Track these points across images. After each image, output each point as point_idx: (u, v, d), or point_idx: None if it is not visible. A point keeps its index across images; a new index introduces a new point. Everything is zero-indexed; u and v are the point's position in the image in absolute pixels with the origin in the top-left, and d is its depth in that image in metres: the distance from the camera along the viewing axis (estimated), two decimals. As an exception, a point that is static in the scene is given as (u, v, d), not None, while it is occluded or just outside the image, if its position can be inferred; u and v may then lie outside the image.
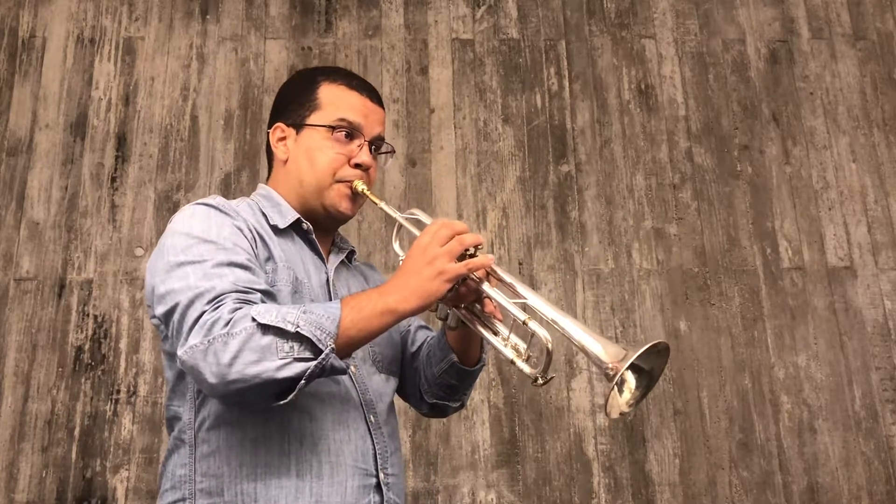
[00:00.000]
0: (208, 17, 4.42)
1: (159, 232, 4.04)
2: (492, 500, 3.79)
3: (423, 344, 2.43)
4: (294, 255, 2.17)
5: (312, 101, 2.28)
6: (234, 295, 1.84)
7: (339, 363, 1.81)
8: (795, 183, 4.29)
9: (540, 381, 1.93)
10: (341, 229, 2.42)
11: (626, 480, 3.83)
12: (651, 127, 4.34)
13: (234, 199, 2.21)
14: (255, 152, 4.20)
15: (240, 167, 4.17)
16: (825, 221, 4.23)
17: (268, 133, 2.35)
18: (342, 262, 2.36)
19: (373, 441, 2.07)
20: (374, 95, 2.35)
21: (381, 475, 2.05)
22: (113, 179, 4.13)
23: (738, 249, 4.17)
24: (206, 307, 1.81)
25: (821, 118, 4.40)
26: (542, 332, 1.89)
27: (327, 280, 2.23)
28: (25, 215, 4.04)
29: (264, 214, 2.20)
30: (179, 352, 1.80)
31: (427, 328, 2.52)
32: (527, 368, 1.96)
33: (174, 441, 2.05)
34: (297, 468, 1.94)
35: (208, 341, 1.75)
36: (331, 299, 2.18)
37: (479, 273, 2.00)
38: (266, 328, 1.75)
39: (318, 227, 2.27)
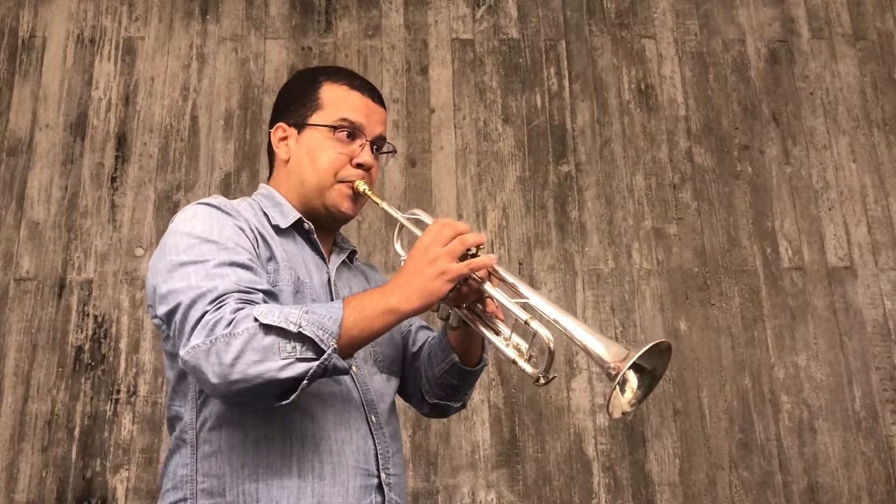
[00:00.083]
0: (208, 17, 4.42)
1: (159, 232, 4.04)
2: (492, 500, 3.79)
3: (424, 344, 2.43)
4: (296, 255, 2.17)
5: (314, 101, 2.28)
6: (237, 295, 1.84)
7: (341, 363, 1.81)
8: (795, 183, 4.29)
9: (542, 380, 1.93)
10: (342, 229, 2.42)
11: (626, 480, 3.84)
12: (651, 127, 4.34)
13: (235, 199, 2.21)
14: (255, 152, 4.20)
15: (240, 167, 4.17)
16: (825, 221, 4.23)
17: (269, 133, 2.35)
18: (343, 262, 2.36)
19: (374, 441, 2.07)
20: (375, 95, 2.35)
21: (383, 475, 2.05)
22: (113, 179, 4.13)
23: (738, 249, 4.17)
24: (209, 307, 1.81)
25: (821, 118, 4.41)
26: (543, 332, 1.90)
27: (329, 280, 2.23)
28: (25, 215, 4.04)
29: (266, 214, 2.20)
30: (182, 352, 1.80)
31: (428, 328, 2.52)
32: (528, 368, 1.96)
33: (175, 441, 2.05)
34: (299, 468, 1.94)
35: (210, 341, 1.75)
36: (332, 299, 2.18)
37: (481, 273, 2.00)
38: (268, 328, 1.75)
39: (320, 227, 2.27)
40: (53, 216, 4.05)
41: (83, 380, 3.85)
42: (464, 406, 2.48)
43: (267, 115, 4.16)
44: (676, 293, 4.10)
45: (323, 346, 1.76)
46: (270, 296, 1.92)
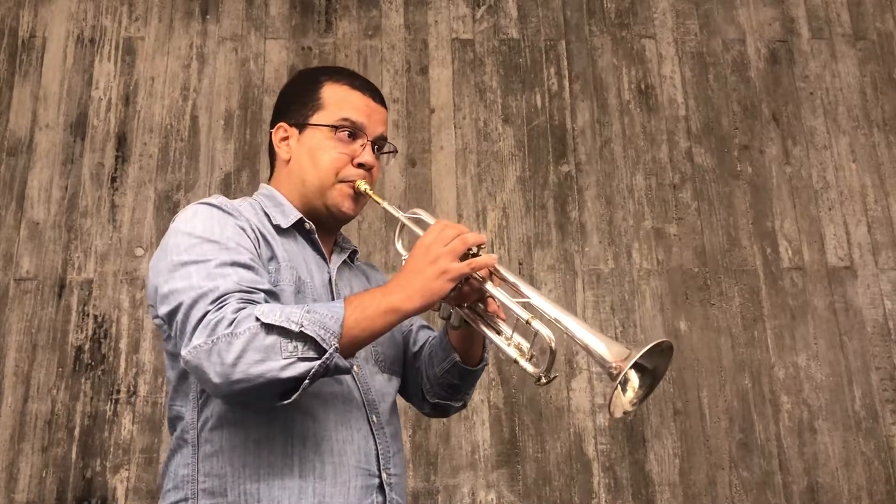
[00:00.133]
0: (208, 17, 4.42)
1: (159, 232, 4.04)
2: (492, 500, 3.79)
3: (425, 343, 2.43)
4: (297, 255, 2.17)
5: (315, 101, 2.28)
6: (238, 295, 1.84)
7: (343, 362, 1.81)
8: (795, 183, 4.29)
9: (543, 380, 1.93)
10: (343, 229, 2.42)
11: (626, 480, 3.84)
12: (651, 127, 4.35)
13: (236, 199, 2.21)
14: (255, 152, 4.20)
15: (240, 167, 4.17)
16: (825, 221, 4.23)
17: (270, 133, 2.35)
18: (344, 261, 2.36)
19: (375, 441, 2.07)
20: (376, 95, 2.35)
21: (384, 475, 2.05)
22: (113, 179, 4.13)
23: (738, 249, 4.17)
24: (210, 307, 1.81)
25: (821, 118, 4.41)
26: (545, 332, 1.90)
27: (330, 280, 2.23)
28: (25, 215, 4.04)
29: (267, 214, 2.20)
30: (183, 352, 1.80)
31: (429, 328, 2.52)
32: (530, 368, 1.97)
33: (177, 441, 2.04)
34: (301, 469, 1.94)
35: (212, 341, 1.75)
36: (333, 299, 2.18)
37: (483, 272, 2.01)
38: (270, 328, 1.75)
39: (321, 227, 2.27)
40: (53, 216, 4.05)
41: (83, 380, 3.85)
42: (465, 405, 2.49)
43: (267, 115, 4.17)
44: (676, 293, 4.10)
45: (325, 345, 1.76)
46: (272, 295, 1.93)
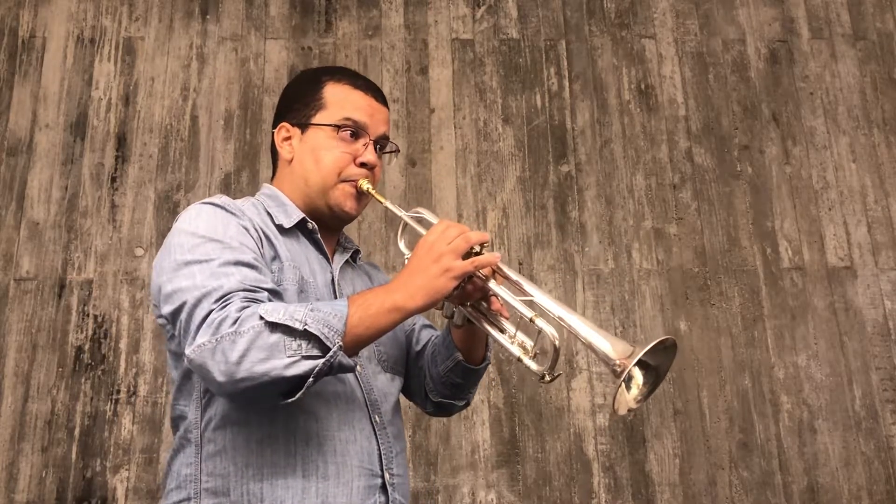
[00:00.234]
0: (208, 17, 4.42)
1: (159, 232, 4.04)
2: (492, 500, 3.79)
3: (427, 343, 2.44)
4: (299, 255, 2.17)
5: (317, 101, 2.28)
6: (242, 294, 1.84)
7: (346, 361, 1.81)
8: (795, 183, 4.29)
9: (547, 378, 1.94)
10: (344, 229, 2.42)
11: (626, 480, 3.84)
12: (651, 127, 4.35)
13: (238, 199, 2.21)
14: (255, 152, 4.20)
15: (240, 167, 4.17)
16: (825, 221, 4.23)
17: (272, 133, 2.35)
18: (347, 261, 2.36)
19: (378, 441, 2.07)
20: (378, 95, 2.35)
21: (387, 475, 2.06)
22: (113, 179, 4.13)
23: (738, 249, 4.17)
24: (214, 306, 1.81)
25: (821, 118, 4.41)
26: (549, 330, 1.90)
27: (332, 279, 2.24)
28: (25, 215, 4.04)
29: (269, 214, 2.20)
30: (187, 350, 1.80)
31: (431, 327, 2.53)
32: (534, 366, 1.97)
33: (180, 440, 2.04)
34: (304, 468, 1.94)
35: (216, 340, 1.76)
36: (336, 298, 2.18)
37: (486, 271, 2.01)
38: (274, 326, 1.76)
39: (323, 227, 2.27)
40: (53, 216, 4.04)
41: (83, 380, 3.84)
42: (468, 404, 2.49)
43: (267, 115, 4.18)
44: (676, 293, 4.10)
45: (328, 343, 1.76)
46: (275, 294, 1.93)
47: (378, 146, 2.31)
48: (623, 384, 1.83)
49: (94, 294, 3.96)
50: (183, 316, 1.86)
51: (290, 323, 1.76)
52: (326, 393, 2.00)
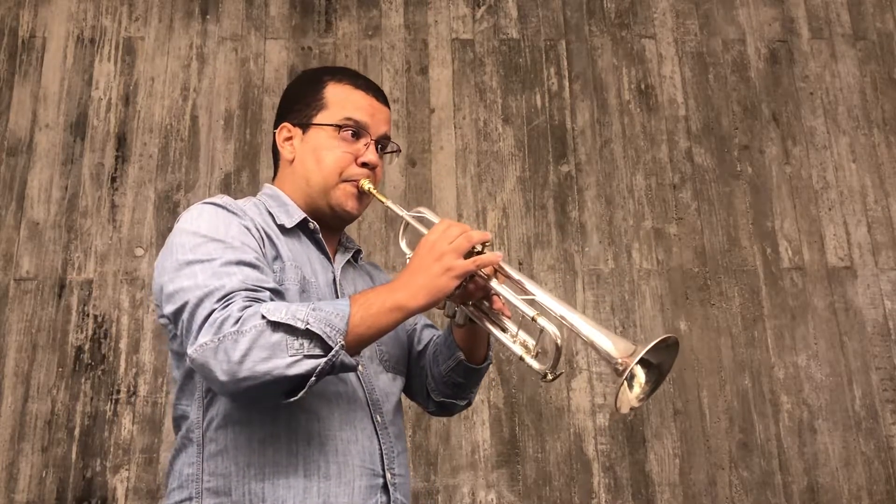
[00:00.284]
0: (208, 17, 4.42)
1: (159, 232, 4.03)
2: (492, 500, 3.79)
3: (429, 342, 2.44)
4: (301, 255, 2.17)
5: (319, 101, 2.29)
6: (244, 293, 1.84)
7: (348, 360, 1.82)
8: (795, 183, 4.29)
9: (549, 376, 1.94)
10: (346, 229, 2.43)
11: (626, 480, 3.84)
12: (651, 127, 4.35)
13: (239, 199, 2.21)
14: (255, 152, 4.20)
15: (240, 167, 4.17)
16: (825, 221, 4.23)
17: (274, 133, 2.36)
18: (348, 261, 2.36)
19: (379, 441, 2.08)
20: (379, 95, 2.36)
21: (388, 475, 2.06)
22: (113, 179, 4.13)
23: (738, 249, 4.17)
24: (216, 305, 1.82)
25: (821, 118, 4.41)
26: (551, 328, 1.91)
27: (334, 279, 2.24)
28: (25, 215, 4.04)
29: (271, 214, 2.21)
30: (189, 350, 1.80)
31: (433, 327, 2.53)
32: (536, 365, 1.98)
33: (182, 440, 2.05)
34: (305, 468, 1.94)
35: (218, 339, 1.76)
36: (338, 298, 2.18)
37: (487, 270, 2.02)
38: (276, 325, 1.76)
39: (325, 227, 2.28)
40: (53, 216, 4.04)
41: (83, 380, 3.84)
42: (470, 404, 2.49)
43: (267, 115, 4.18)
44: (676, 293, 4.10)
45: (331, 342, 1.77)
46: (277, 294, 1.93)
47: (379, 146, 2.32)
48: (625, 383, 1.83)
49: (94, 294, 3.95)
50: (185, 315, 1.86)
51: (292, 322, 1.76)
52: (328, 393, 2.00)
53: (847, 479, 3.87)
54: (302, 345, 1.76)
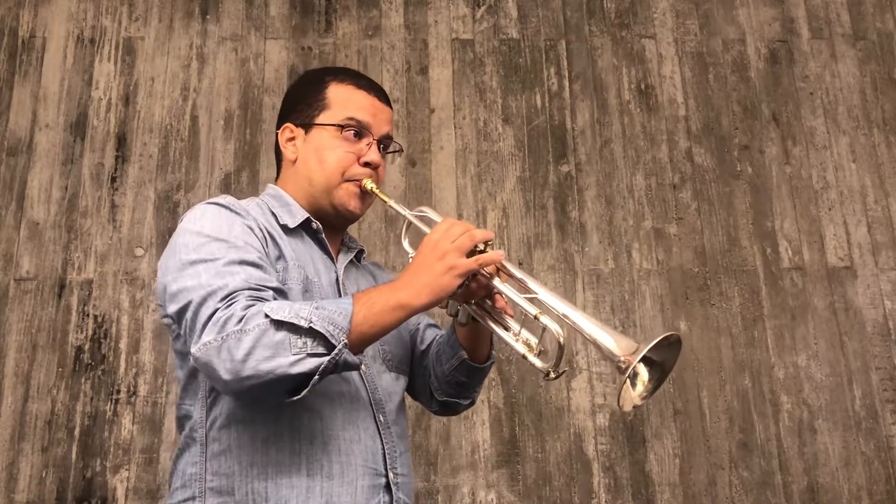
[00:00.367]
0: (208, 17, 4.42)
1: (159, 232, 4.03)
2: (492, 500, 3.79)
3: (432, 342, 2.44)
4: (304, 254, 2.18)
5: (321, 101, 2.30)
6: (247, 292, 1.85)
7: (352, 358, 1.82)
8: (795, 183, 4.29)
9: (552, 374, 1.94)
10: (348, 229, 2.43)
11: (626, 480, 3.84)
12: (651, 127, 4.35)
13: (241, 199, 2.21)
14: (255, 152, 4.20)
15: (240, 167, 4.17)
16: (825, 221, 4.23)
17: (276, 134, 2.36)
18: (351, 261, 2.37)
19: (382, 440, 2.08)
20: (381, 95, 2.37)
21: (391, 475, 2.06)
22: (113, 179, 4.13)
23: (738, 249, 4.17)
24: (219, 304, 1.82)
25: (821, 118, 4.41)
26: (553, 327, 1.91)
27: (337, 279, 2.24)
28: (25, 215, 4.03)
29: (274, 214, 2.21)
30: (193, 349, 1.81)
31: (436, 326, 2.53)
32: (538, 363, 1.98)
33: (185, 440, 2.05)
34: (308, 467, 1.95)
35: (222, 338, 1.76)
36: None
37: (490, 268, 2.03)
38: (279, 324, 1.76)
39: (328, 227, 2.29)
40: (53, 216, 4.04)
41: (83, 380, 3.84)
42: (473, 403, 2.49)
43: (267, 115, 4.17)
44: (676, 293, 4.10)
45: (334, 341, 1.77)
46: (280, 293, 1.94)
47: (381, 146, 2.32)
48: (628, 381, 1.83)
49: (94, 294, 3.95)
50: (188, 315, 1.86)
51: (295, 321, 1.76)
52: (331, 392, 2.01)
53: (847, 479, 3.87)
54: (305, 343, 1.76)
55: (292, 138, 2.31)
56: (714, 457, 3.87)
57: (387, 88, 4.13)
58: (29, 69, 4.26)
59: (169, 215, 4.06)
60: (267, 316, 1.76)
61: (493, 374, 3.92)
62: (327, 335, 1.76)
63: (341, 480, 1.96)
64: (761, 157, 4.33)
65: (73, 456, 3.74)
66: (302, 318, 1.76)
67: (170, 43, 4.37)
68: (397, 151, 2.43)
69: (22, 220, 4.03)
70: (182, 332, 1.93)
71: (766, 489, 3.84)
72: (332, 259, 2.27)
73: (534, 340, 2.02)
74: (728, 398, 3.95)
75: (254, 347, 1.74)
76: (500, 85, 4.40)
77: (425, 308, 1.93)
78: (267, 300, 1.85)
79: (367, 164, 2.25)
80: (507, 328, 2.08)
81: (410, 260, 2.04)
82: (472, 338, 2.25)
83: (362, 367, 2.07)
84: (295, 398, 1.79)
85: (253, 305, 1.80)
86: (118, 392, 3.83)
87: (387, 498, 2.04)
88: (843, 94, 4.46)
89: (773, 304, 4.09)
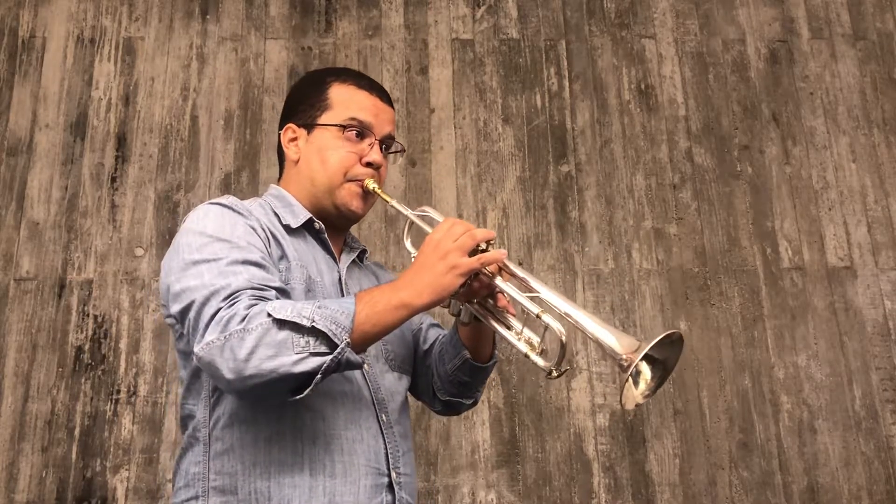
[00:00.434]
0: (208, 17, 4.42)
1: (159, 232, 4.04)
2: (492, 500, 3.79)
3: (435, 342, 2.45)
4: (307, 254, 2.18)
5: (323, 102, 2.30)
6: (250, 292, 1.85)
7: (354, 357, 1.82)
8: (795, 183, 4.29)
9: (554, 373, 1.95)
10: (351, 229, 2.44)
11: (626, 480, 3.84)
12: (651, 127, 4.35)
13: (244, 199, 2.21)
14: (254, 152, 4.20)
15: (240, 167, 4.17)
16: (825, 221, 4.24)
17: (279, 134, 2.36)
18: (354, 261, 2.38)
19: (384, 440, 2.08)
20: (383, 95, 2.37)
21: (393, 474, 2.07)
22: (113, 179, 4.13)
23: (738, 249, 4.17)
24: (222, 304, 1.83)
25: (821, 118, 4.41)
26: (556, 325, 1.91)
27: (339, 279, 2.25)
28: (25, 215, 4.03)
29: (276, 214, 2.22)
30: (196, 348, 1.81)
31: (438, 326, 2.54)
32: (541, 362, 1.99)
33: (188, 439, 2.06)
34: (311, 467, 1.95)
35: (225, 337, 1.76)
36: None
37: (492, 268, 2.03)
38: (282, 323, 1.77)
39: (330, 227, 2.29)
40: (53, 216, 4.04)
41: (83, 380, 3.84)
42: (476, 403, 2.50)
43: (267, 115, 4.17)
44: (676, 293, 4.10)
45: (336, 340, 1.77)
46: (283, 293, 1.94)
47: (383, 146, 2.33)
48: (630, 379, 1.83)
49: (94, 294, 3.95)
50: (191, 314, 1.87)
51: (297, 320, 1.77)
52: (333, 392, 2.01)
53: (847, 479, 3.87)
54: (308, 342, 1.77)
55: (295, 139, 2.32)
56: (714, 457, 3.87)
57: (387, 88, 4.11)
58: (29, 69, 4.26)
59: (169, 215, 4.06)
60: (269, 315, 1.77)
61: (493, 373, 3.90)
62: (330, 334, 1.77)
63: (344, 480, 1.97)
64: (761, 157, 4.33)
65: (73, 456, 3.74)
66: (304, 317, 1.77)
67: (170, 43, 4.37)
68: (399, 152, 2.44)
69: (22, 220, 4.02)
70: (185, 332, 1.93)
71: (766, 489, 3.84)
72: (334, 259, 2.28)
73: (536, 339, 2.03)
74: (728, 398, 3.95)
75: (256, 346, 1.74)
76: (500, 85, 4.40)
77: (427, 307, 1.93)
78: (269, 300, 1.85)
79: (369, 165, 2.26)
80: (509, 327, 2.09)
81: (413, 260, 2.04)
82: (474, 337, 2.26)
83: (365, 366, 2.07)
84: (298, 397, 1.79)
85: (256, 305, 1.81)
86: (118, 392, 3.83)
87: (389, 497, 2.04)
88: (843, 94, 4.46)
89: (773, 304, 4.10)
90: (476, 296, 2.11)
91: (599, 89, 4.41)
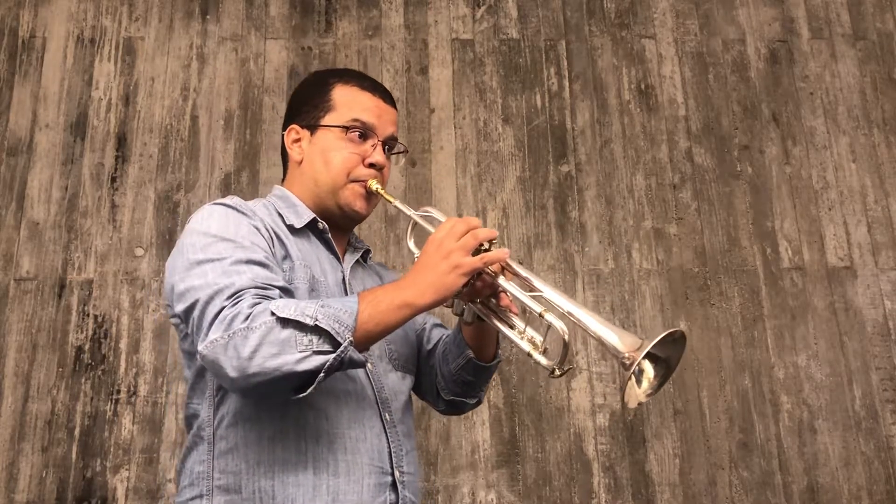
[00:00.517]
0: (208, 17, 4.42)
1: (159, 232, 4.03)
2: (492, 500, 3.79)
3: (438, 341, 2.46)
4: (310, 254, 2.19)
5: (326, 103, 2.32)
6: (253, 291, 1.87)
7: (357, 356, 1.83)
8: (795, 183, 4.30)
9: (557, 372, 1.95)
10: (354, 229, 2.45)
11: (626, 480, 3.84)
12: (651, 127, 4.35)
13: (248, 200, 2.22)
14: (255, 152, 4.20)
15: (240, 167, 4.17)
16: (825, 221, 4.24)
17: (282, 135, 2.38)
18: (357, 261, 2.39)
19: (388, 439, 2.09)
20: (386, 96, 2.39)
21: (397, 473, 2.07)
22: (113, 179, 4.13)
23: (738, 249, 4.17)
24: (226, 303, 1.84)
25: (821, 118, 4.41)
26: (558, 324, 1.92)
27: (343, 279, 2.26)
28: (25, 215, 4.03)
29: (280, 215, 2.23)
30: (200, 346, 1.82)
31: (442, 326, 2.55)
32: (544, 361, 1.99)
33: (193, 438, 2.07)
34: (314, 465, 1.96)
35: (228, 335, 1.77)
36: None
37: (495, 267, 2.03)
38: (285, 322, 1.77)
39: (334, 227, 2.30)
40: (53, 216, 4.04)
41: (83, 380, 3.84)
42: (479, 402, 2.50)
43: (267, 115, 4.17)
44: (676, 293, 4.10)
45: (339, 338, 1.78)
46: (286, 292, 1.96)
47: (386, 147, 2.34)
48: (633, 377, 1.83)
49: (94, 294, 3.95)
50: (195, 313, 1.88)
51: (301, 318, 1.77)
52: (337, 391, 2.02)
53: (847, 479, 3.87)
54: (311, 341, 1.77)
55: (298, 140, 2.34)
56: (714, 457, 3.87)
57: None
58: (29, 69, 4.26)
59: (169, 215, 4.06)
60: (273, 313, 1.78)
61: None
62: (333, 333, 1.78)
63: (347, 478, 1.97)
64: (761, 157, 4.33)
65: (73, 456, 3.74)
66: (308, 315, 1.78)
67: (170, 43, 4.37)
68: (402, 152, 2.45)
69: (22, 220, 4.02)
70: (189, 331, 1.95)
71: (766, 489, 3.84)
72: (338, 259, 2.29)
73: (538, 338, 2.03)
74: (728, 398, 3.95)
75: (260, 345, 1.75)
76: (500, 85, 4.40)
77: (430, 307, 1.94)
78: (273, 298, 1.86)
79: (371, 165, 2.27)
80: (512, 326, 2.09)
81: (416, 259, 2.04)
82: (477, 336, 2.26)
83: (368, 365, 2.08)
84: (301, 395, 1.80)
85: (259, 303, 1.82)
86: (118, 392, 3.83)
87: (393, 496, 2.05)
88: (843, 94, 4.46)
89: (773, 304, 4.10)
90: (479, 295, 2.11)
91: (599, 89, 4.41)
